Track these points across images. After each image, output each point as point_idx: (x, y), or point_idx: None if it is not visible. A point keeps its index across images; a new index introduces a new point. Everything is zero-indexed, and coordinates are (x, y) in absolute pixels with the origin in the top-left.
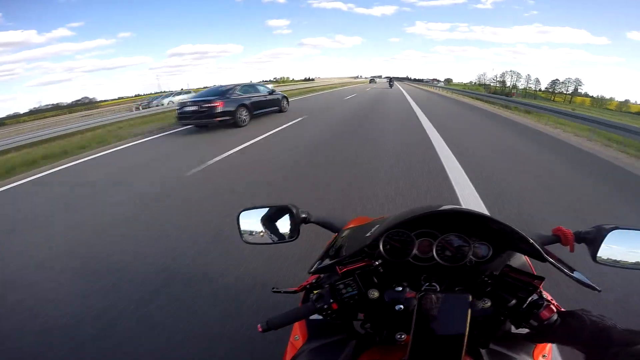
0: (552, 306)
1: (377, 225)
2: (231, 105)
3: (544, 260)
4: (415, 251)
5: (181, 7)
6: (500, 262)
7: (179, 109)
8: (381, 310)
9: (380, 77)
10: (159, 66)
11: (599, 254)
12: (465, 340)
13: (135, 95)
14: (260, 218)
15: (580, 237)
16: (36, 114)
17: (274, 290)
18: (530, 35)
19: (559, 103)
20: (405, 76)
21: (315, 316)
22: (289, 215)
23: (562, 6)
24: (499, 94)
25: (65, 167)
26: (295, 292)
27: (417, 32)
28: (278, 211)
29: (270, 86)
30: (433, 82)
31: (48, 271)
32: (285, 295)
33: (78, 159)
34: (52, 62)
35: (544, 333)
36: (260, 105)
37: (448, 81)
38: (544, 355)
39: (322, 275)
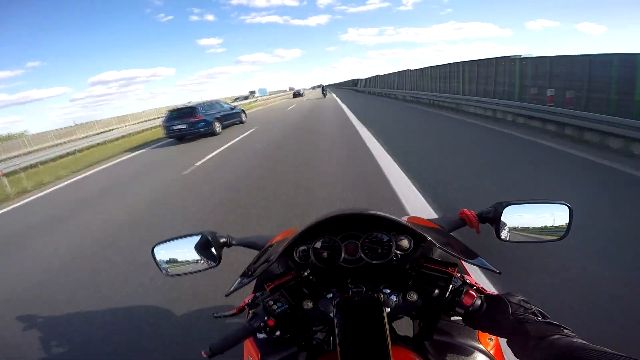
0: (472, 291)
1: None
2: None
3: (445, 250)
4: (344, 254)
5: (99, 32)
6: (422, 252)
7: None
8: (320, 319)
9: (319, 86)
10: (82, 97)
11: (501, 231)
12: (389, 338)
13: None
14: (177, 249)
15: (482, 217)
16: None
17: (215, 316)
18: (448, 32)
19: None
20: (363, 78)
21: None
22: (207, 242)
23: (471, 2)
24: None
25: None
26: (234, 314)
27: (350, 39)
28: (194, 239)
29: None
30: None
31: None
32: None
33: None
34: None
35: (472, 319)
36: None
37: None
38: (490, 338)
39: (257, 294)
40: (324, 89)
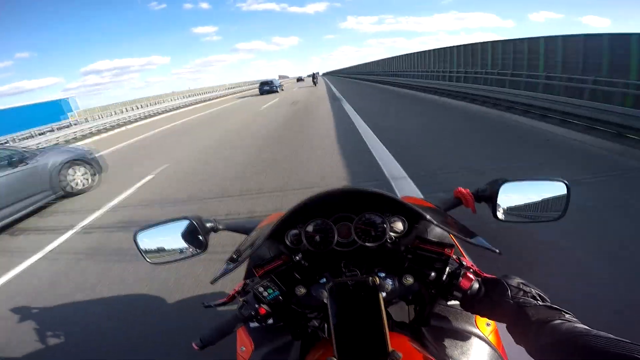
0: (469, 274)
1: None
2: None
3: (443, 229)
4: (337, 237)
5: (90, 21)
6: (417, 234)
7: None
8: (313, 305)
9: (318, 73)
10: (74, 86)
11: (498, 210)
12: (386, 323)
13: None
14: (160, 235)
15: (478, 196)
16: None
17: (205, 305)
18: (448, 22)
19: None
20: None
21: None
22: (193, 227)
23: None
24: None
25: None
26: (225, 303)
27: (349, 26)
28: (179, 225)
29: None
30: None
31: None
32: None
33: None
34: None
35: (470, 304)
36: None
37: None
38: (487, 323)
39: (248, 281)
40: (314, 76)
